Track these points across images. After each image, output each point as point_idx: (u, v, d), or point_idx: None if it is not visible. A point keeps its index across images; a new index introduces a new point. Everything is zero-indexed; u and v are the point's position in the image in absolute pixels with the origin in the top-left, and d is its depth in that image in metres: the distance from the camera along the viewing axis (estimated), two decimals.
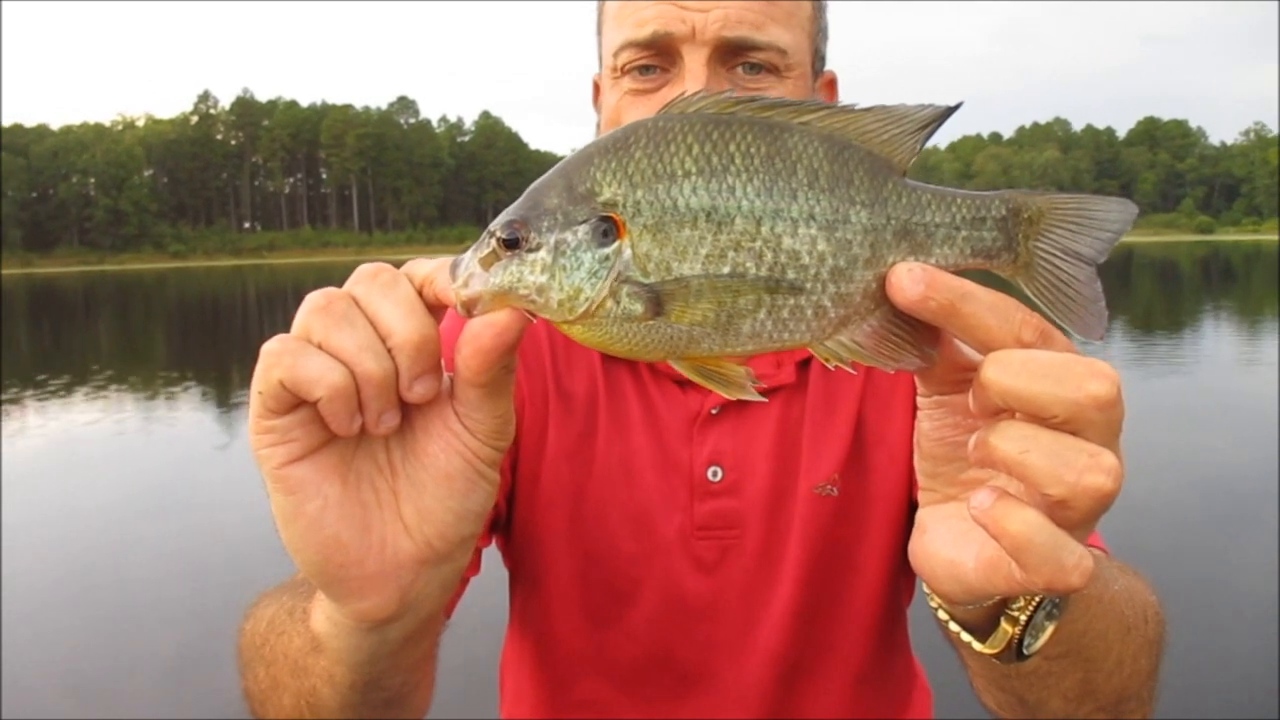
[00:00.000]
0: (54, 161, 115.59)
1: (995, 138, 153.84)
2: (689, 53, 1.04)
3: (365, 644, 0.70)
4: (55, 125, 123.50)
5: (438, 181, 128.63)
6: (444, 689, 0.94)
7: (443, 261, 0.62)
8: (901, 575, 1.20)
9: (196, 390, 12.59)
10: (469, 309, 0.59)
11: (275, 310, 28.52)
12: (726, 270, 0.57)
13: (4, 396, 12.35)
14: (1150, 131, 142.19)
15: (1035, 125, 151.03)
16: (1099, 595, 0.83)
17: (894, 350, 0.61)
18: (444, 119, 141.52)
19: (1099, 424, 0.55)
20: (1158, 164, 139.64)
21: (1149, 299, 25.70)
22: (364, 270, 0.63)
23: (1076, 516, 0.55)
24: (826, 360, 0.61)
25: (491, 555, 1.22)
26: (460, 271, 0.59)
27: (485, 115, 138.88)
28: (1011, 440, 0.56)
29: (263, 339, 0.62)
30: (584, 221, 0.58)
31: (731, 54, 1.05)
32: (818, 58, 1.14)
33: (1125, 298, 25.58)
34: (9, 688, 4.02)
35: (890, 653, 1.22)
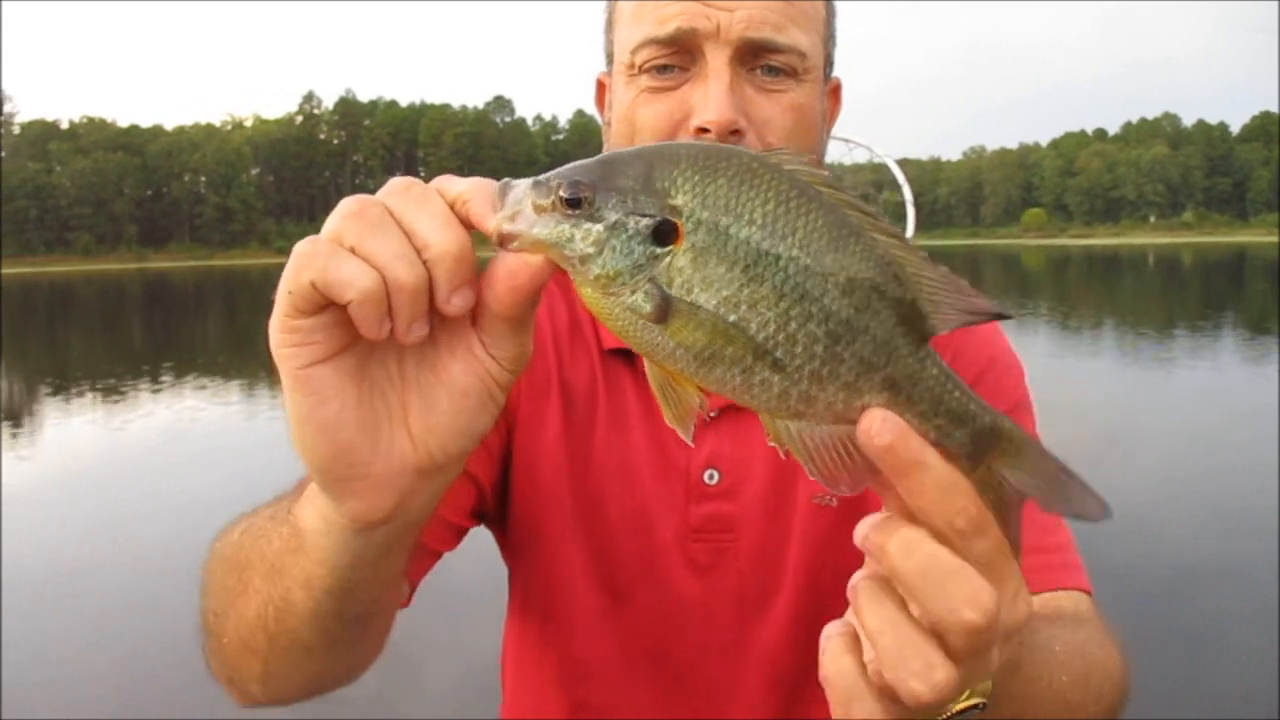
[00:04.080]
0: (167, 161, 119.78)
1: (1100, 134, 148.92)
2: (711, 51, 1.04)
3: (353, 545, 0.71)
4: (169, 126, 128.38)
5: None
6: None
7: (480, 182, 0.62)
8: None
9: None
10: (503, 241, 0.60)
11: None
12: (732, 319, 0.59)
13: (119, 385, 12.88)
14: (1266, 126, 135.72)
15: (1143, 120, 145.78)
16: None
17: (831, 466, 0.63)
18: (539, 118, 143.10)
19: (959, 646, 0.59)
20: (1274, 161, 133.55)
21: (1263, 300, 24.69)
22: (396, 183, 0.64)
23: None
24: (768, 435, 0.64)
25: (488, 551, 1.22)
26: (510, 201, 0.60)
27: (579, 114, 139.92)
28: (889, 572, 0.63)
29: None
30: (650, 216, 0.59)
31: (753, 55, 1.05)
32: (828, 63, 1.14)
33: (1239, 298, 24.64)
34: (126, 671, 4.21)
35: None
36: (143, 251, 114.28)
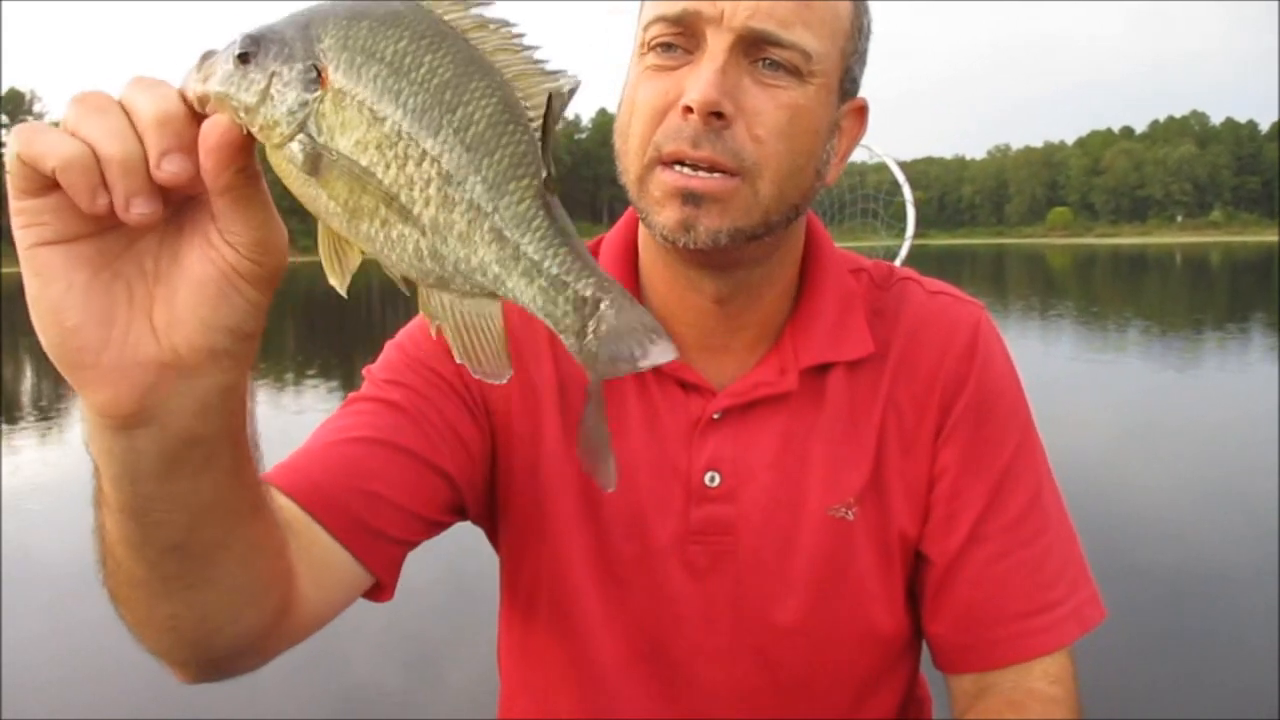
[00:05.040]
0: None
1: (1127, 132, 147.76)
2: (713, 36, 1.03)
3: (116, 450, 0.69)
4: None
5: (555, 179, 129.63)
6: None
7: (193, 66, 0.63)
8: (914, 619, 1.19)
9: (322, 381, 13.00)
10: (202, 104, 0.61)
11: (397, 302, 29.14)
12: (364, 163, 0.60)
13: None
14: None
15: (1170, 119, 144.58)
16: None
17: (472, 344, 0.65)
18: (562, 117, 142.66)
19: None
20: None
21: None
22: (135, 77, 0.64)
23: None
24: (420, 308, 0.65)
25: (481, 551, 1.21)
26: (206, 64, 0.61)
27: (602, 113, 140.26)
28: None
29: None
30: (300, 62, 0.60)
31: (754, 46, 1.03)
32: (848, 78, 1.11)
33: (1268, 297, 24.41)
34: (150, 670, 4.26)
35: (896, 674, 1.22)
36: None
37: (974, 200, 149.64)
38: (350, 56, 0.60)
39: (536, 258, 0.62)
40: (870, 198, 6.41)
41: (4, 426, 9.74)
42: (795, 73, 1.04)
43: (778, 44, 1.03)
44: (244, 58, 0.60)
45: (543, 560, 1.16)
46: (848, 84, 1.12)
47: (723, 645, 1.14)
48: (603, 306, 0.63)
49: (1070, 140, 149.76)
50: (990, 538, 1.11)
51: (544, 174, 0.62)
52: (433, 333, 0.65)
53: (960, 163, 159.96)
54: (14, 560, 5.43)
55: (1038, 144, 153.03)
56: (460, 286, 0.63)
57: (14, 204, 0.63)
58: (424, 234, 0.61)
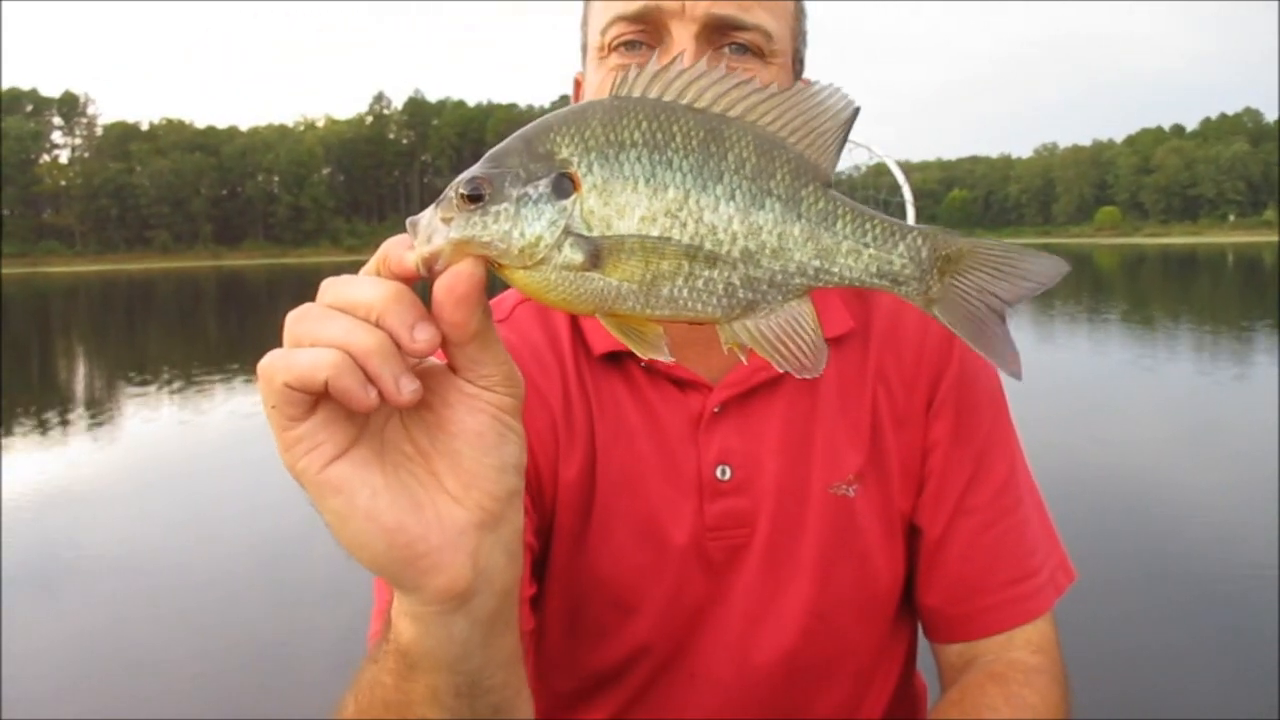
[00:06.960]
0: (242, 161, 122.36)
1: (1177, 130, 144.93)
2: (677, 28, 1.05)
3: (456, 631, 0.69)
4: (244, 127, 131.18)
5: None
6: None
7: (391, 241, 0.64)
8: (909, 594, 1.20)
9: None
10: (429, 265, 0.62)
11: None
12: (655, 233, 0.64)
13: (195, 380, 13.21)
14: None
15: (1223, 116, 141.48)
16: None
17: (792, 349, 0.67)
18: None
19: None
20: None
21: None
22: (325, 281, 0.66)
23: None
24: (726, 342, 0.68)
25: None
26: (422, 228, 0.63)
27: None
28: None
29: None
30: (545, 177, 0.63)
31: (718, 32, 1.06)
32: (797, 59, 1.14)
33: None
34: (200, 667, 4.33)
35: (896, 658, 1.23)
36: (218, 249, 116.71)
37: (1020, 199, 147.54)
38: (600, 152, 0.63)
39: (857, 235, 0.67)
40: (871, 199, 6.40)
41: (3, 427, 9.94)
42: (759, 54, 1.07)
43: (741, 27, 1.05)
44: (474, 199, 0.62)
45: (561, 578, 1.15)
46: (798, 64, 1.14)
47: (743, 639, 1.14)
48: (937, 247, 0.68)
49: (1119, 138, 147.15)
50: (977, 510, 1.14)
51: (823, 171, 0.67)
52: (744, 359, 0.68)
53: (1006, 161, 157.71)
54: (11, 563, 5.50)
55: (1086, 142, 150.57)
56: (771, 300, 0.67)
57: (287, 435, 0.63)
58: (735, 267, 0.65)
